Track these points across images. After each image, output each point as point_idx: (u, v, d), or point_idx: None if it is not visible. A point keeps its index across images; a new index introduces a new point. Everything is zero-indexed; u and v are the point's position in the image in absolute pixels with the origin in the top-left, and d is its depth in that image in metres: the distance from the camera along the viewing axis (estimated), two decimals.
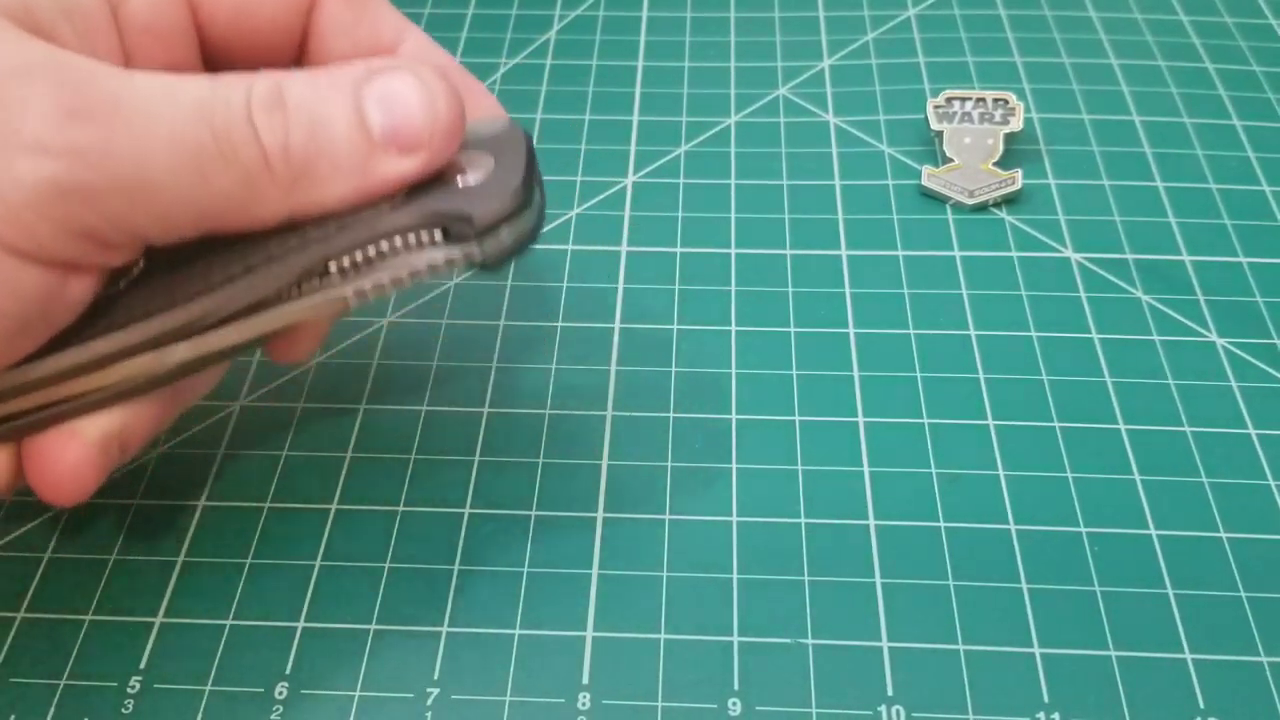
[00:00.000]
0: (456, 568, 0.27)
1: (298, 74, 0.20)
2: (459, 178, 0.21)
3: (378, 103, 0.19)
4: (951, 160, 0.36)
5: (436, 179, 0.21)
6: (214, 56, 0.24)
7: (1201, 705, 0.24)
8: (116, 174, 0.18)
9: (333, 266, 0.21)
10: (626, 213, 0.35)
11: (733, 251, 0.34)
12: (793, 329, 0.32)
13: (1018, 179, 0.35)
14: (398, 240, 0.21)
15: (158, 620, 0.26)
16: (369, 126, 0.19)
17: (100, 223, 0.18)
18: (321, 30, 0.24)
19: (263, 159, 0.19)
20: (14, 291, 0.18)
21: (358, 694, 0.24)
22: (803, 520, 0.27)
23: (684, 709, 0.24)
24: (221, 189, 0.19)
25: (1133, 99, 0.39)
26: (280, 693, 0.24)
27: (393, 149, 0.20)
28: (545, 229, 0.35)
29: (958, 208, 0.35)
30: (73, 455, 0.22)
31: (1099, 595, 0.26)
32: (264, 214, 0.20)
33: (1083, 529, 0.27)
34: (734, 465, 0.28)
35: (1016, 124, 0.37)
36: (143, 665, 0.25)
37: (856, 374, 0.30)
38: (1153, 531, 0.27)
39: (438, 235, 0.21)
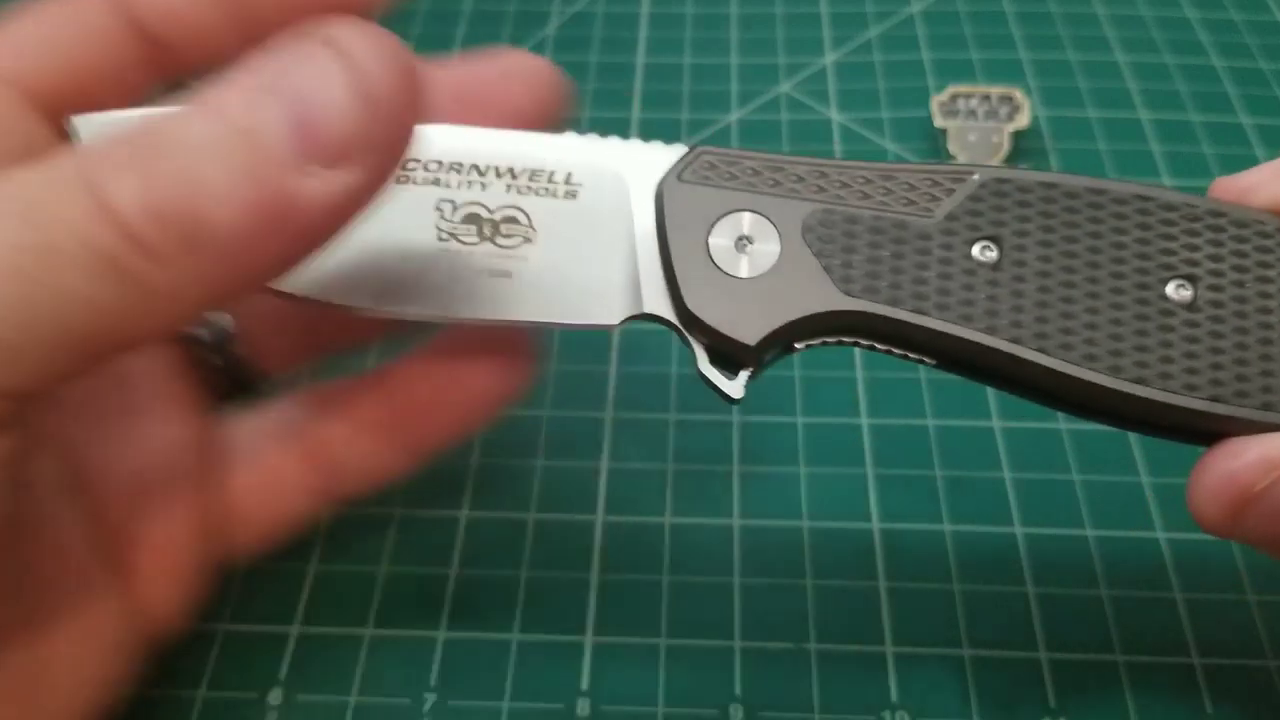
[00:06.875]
0: (454, 572, 0.26)
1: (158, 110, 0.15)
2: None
3: (279, 98, 0.14)
4: (956, 158, 0.36)
5: None
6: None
7: (1209, 710, 0.24)
8: None
9: None
10: None
11: None
12: None
13: None
14: None
15: None
16: (268, 137, 0.14)
17: None
18: None
19: (118, 230, 0.14)
20: None
21: (354, 699, 0.24)
22: (805, 523, 0.27)
23: (685, 714, 0.24)
24: (69, 287, 0.14)
25: (1140, 96, 0.38)
26: (275, 699, 0.24)
27: (312, 162, 0.14)
28: None
29: None
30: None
31: (1105, 600, 0.25)
32: (165, 306, 0.14)
33: (1089, 532, 0.27)
34: (735, 468, 0.28)
35: (1022, 121, 0.36)
36: None
37: (860, 375, 0.30)
38: (1160, 535, 0.26)
39: None
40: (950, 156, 0.36)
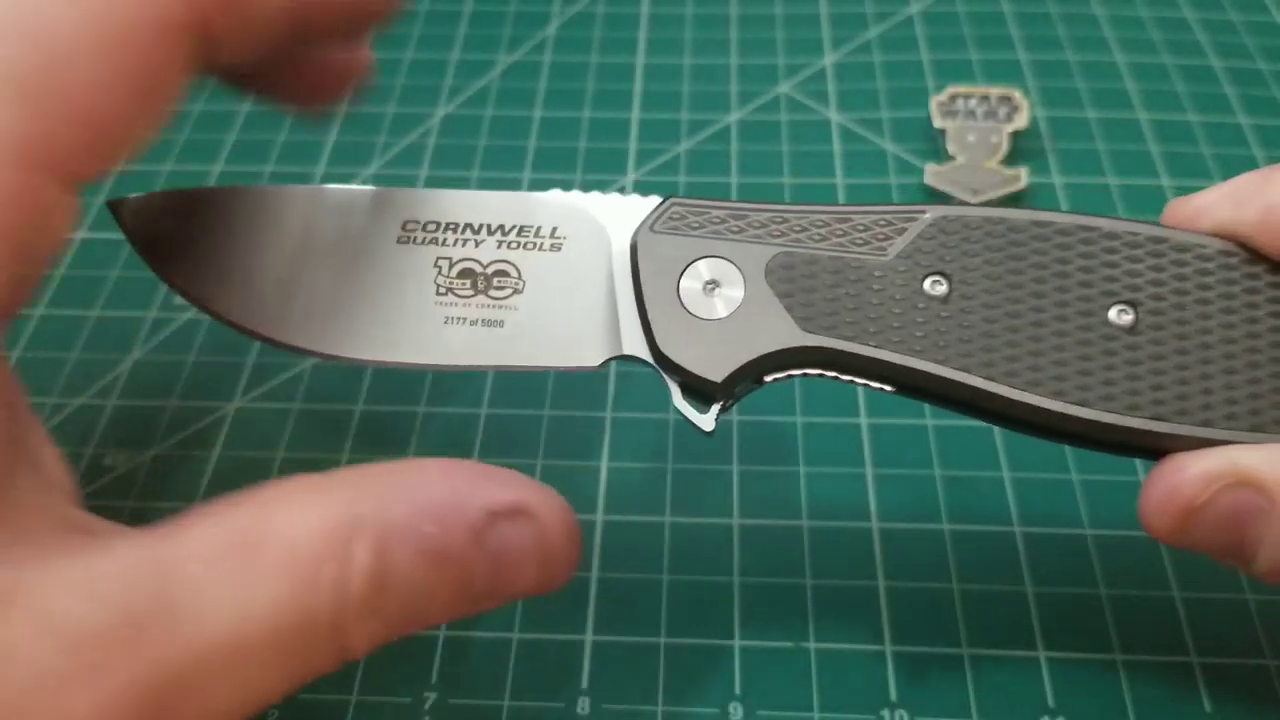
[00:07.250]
0: None
1: (408, 518, 0.17)
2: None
3: (488, 561, 0.17)
4: (955, 158, 0.36)
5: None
6: None
7: (1208, 709, 0.24)
8: None
9: None
10: None
11: None
12: None
13: (1022, 177, 0.35)
14: None
15: None
16: (473, 590, 0.18)
17: None
18: None
19: (341, 655, 0.17)
20: None
21: (354, 699, 0.24)
22: (804, 523, 0.27)
23: (685, 713, 0.24)
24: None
25: (1139, 96, 0.39)
26: None
27: (493, 598, 0.18)
28: None
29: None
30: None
31: (1104, 599, 0.25)
32: None
33: (1088, 531, 0.27)
34: (735, 467, 0.28)
35: (1021, 121, 0.36)
36: None
37: None
38: None
39: None
40: (950, 157, 0.36)
